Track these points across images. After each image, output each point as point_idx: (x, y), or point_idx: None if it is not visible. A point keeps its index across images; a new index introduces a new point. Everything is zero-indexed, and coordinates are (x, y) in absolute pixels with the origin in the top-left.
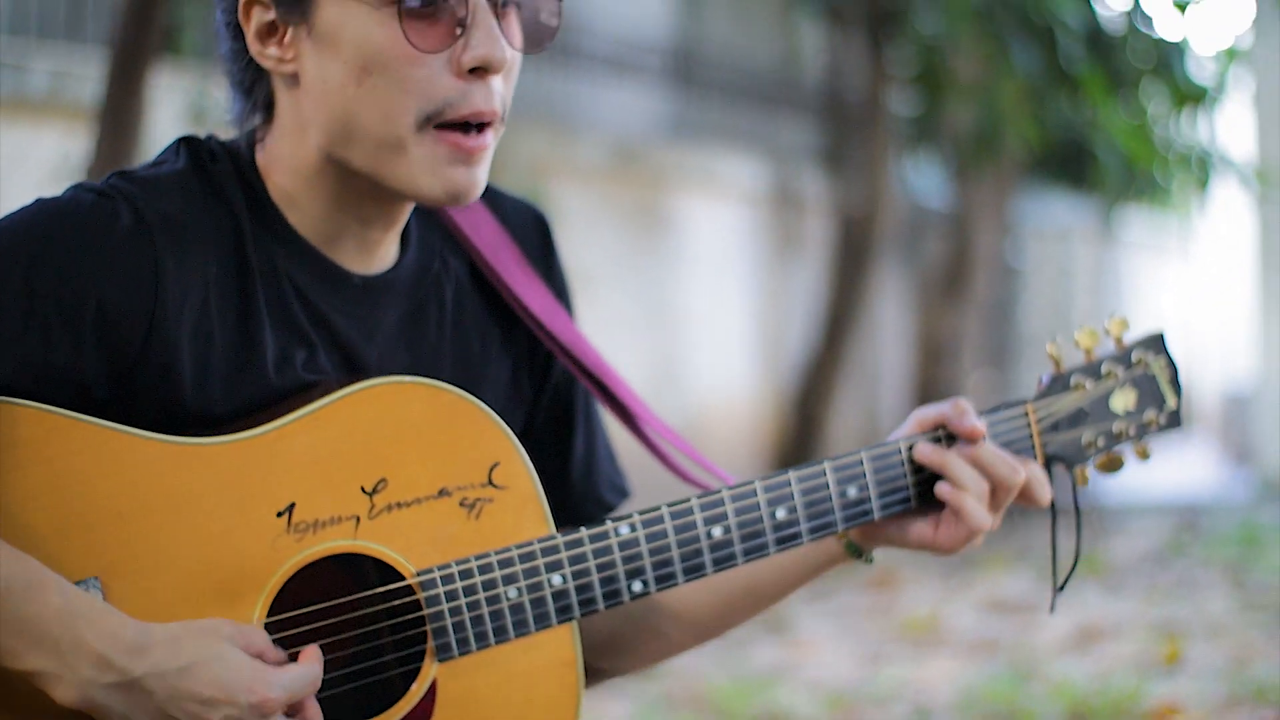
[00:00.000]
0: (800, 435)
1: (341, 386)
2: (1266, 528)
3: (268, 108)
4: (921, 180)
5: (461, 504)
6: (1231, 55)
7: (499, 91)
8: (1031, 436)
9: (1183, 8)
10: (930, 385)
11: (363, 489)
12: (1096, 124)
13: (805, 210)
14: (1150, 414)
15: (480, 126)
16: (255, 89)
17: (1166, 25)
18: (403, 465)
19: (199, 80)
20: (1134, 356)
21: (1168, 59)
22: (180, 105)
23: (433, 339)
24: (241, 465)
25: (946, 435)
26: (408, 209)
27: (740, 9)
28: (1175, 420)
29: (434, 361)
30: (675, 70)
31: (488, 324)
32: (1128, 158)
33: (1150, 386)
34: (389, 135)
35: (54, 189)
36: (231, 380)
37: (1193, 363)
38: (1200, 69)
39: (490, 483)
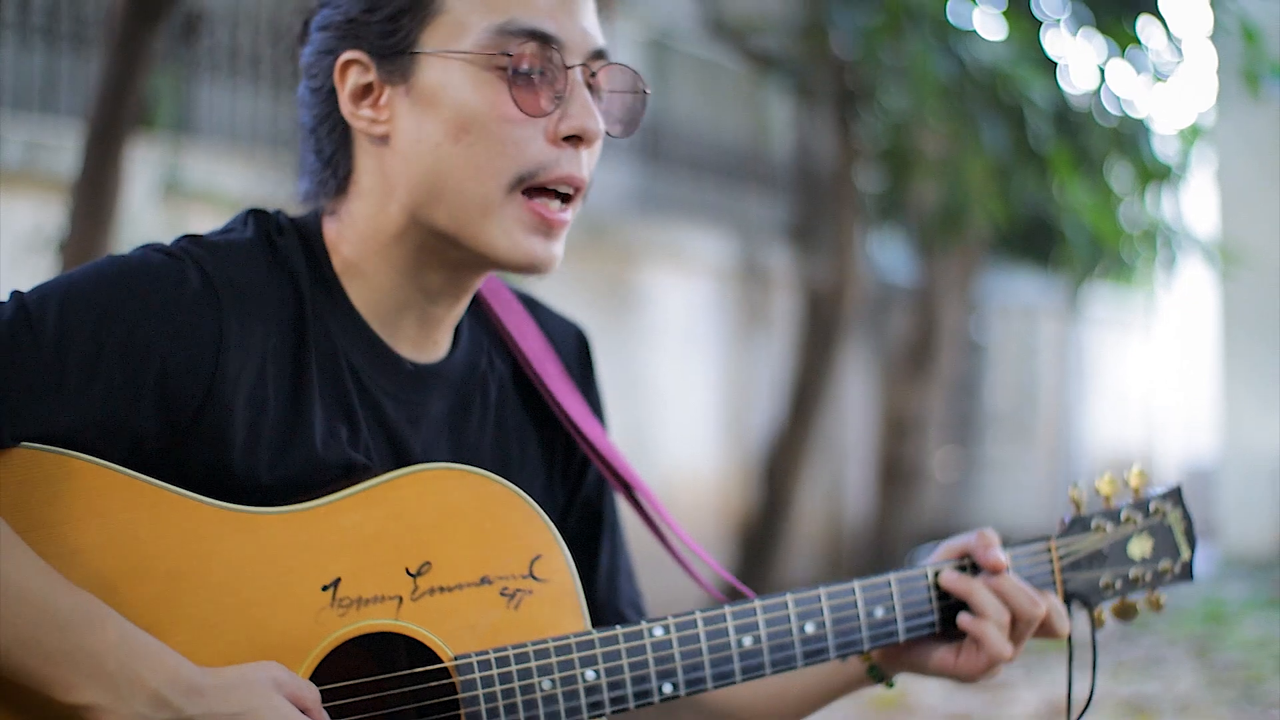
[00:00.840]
0: (766, 509)
1: (389, 468)
2: (1230, 603)
3: (344, 177)
4: (887, 256)
5: (502, 593)
6: (1195, 133)
7: (586, 163)
8: (1053, 572)
9: (1162, 79)
10: (895, 461)
11: (407, 570)
12: (1063, 202)
13: (772, 285)
14: (1165, 563)
15: (565, 199)
16: (336, 156)
17: (1132, 103)
18: (448, 550)
19: (171, 153)
20: (1152, 506)
21: (1133, 137)
22: (153, 178)
23: (474, 434)
24: (291, 536)
25: (972, 565)
26: (475, 283)
27: (709, 84)
28: (1188, 572)
29: (474, 457)
30: (643, 145)
31: (527, 427)
32: (1095, 235)
33: (1166, 536)
34: (480, 194)
35: (28, 259)
36: (280, 449)
37: (1154, 438)
38: (1164, 147)
39: (531, 574)
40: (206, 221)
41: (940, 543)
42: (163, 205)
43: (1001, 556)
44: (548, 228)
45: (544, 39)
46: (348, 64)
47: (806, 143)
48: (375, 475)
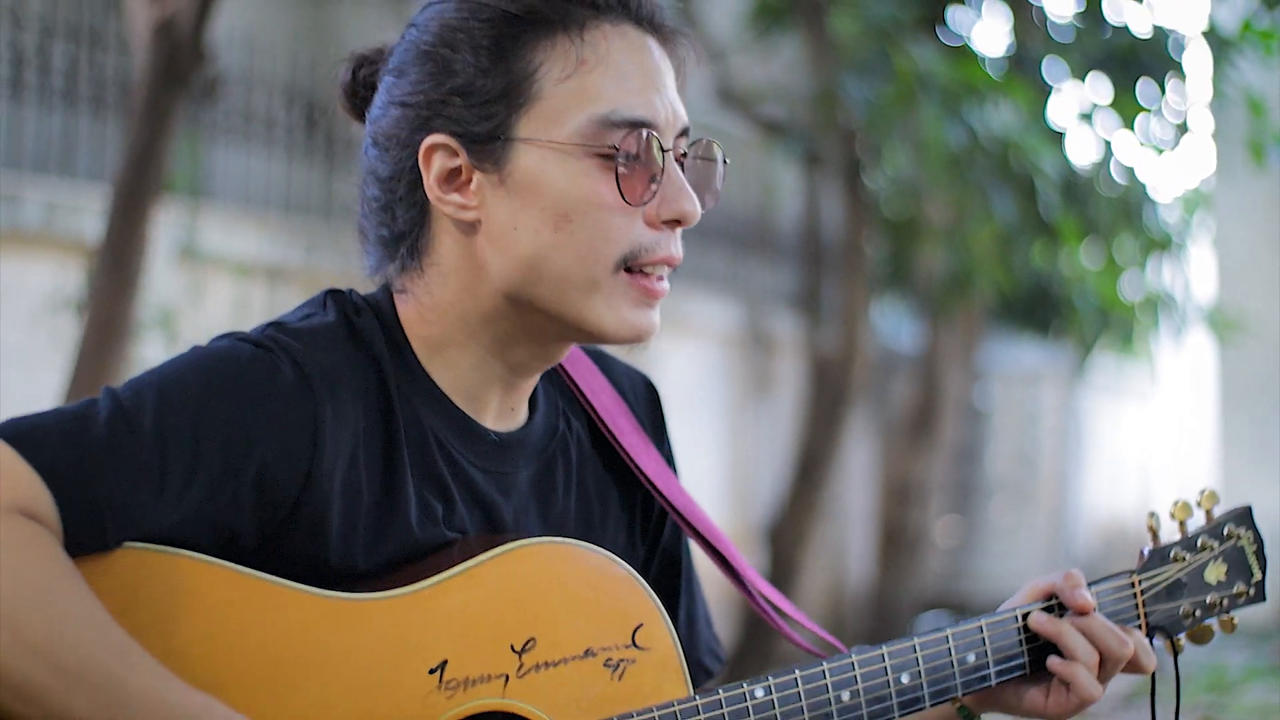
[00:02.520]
0: (770, 575)
1: (486, 544)
2: (1234, 669)
3: (418, 256)
4: (890, 323)
5: (606, 664)
6: (1198, 201)
7: (679, 241)
8: (1137, 607)
9: (1160, 151)
10: (897, 527)
11: (512, 647)
12: (1070, 270)
13: (778, 352)
14: (1239, 586)
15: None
16: (413, 235)
17: (1135, 172)
18: (551, 625)
19: (188, 216)
20: (1226, 530)
21: (1136, 206)
22: (170, 241)
23: (560, 498)
24: (395, 621)
25: (1059, 605)
26: (564, 353)
27: None
28: (1261, 592)
29: (561, 520)
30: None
31: (606, 485)
32: (1102, 304)
33: (1239, 559)
34: (585, 277)
35: (47, 320)
36: (376, 534)
37: (1151, 503)
38: (1167, 215)
39: (634, 644)
40: (222, 285)
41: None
42: (179, 268)
43: (1089, 597)
44: (652, 299)
45: (643, 126)
46: (434, 147)
47: (814, 210)
48: (473, 553)
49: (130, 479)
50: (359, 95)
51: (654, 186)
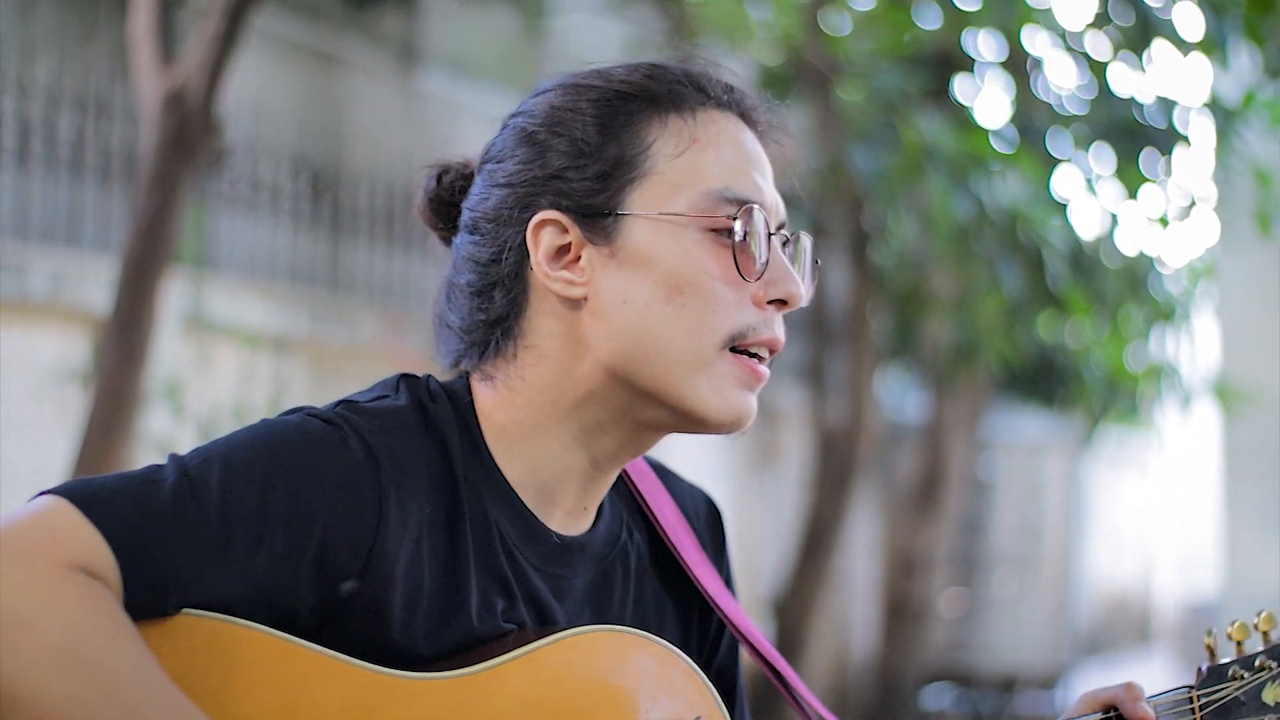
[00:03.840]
0: (777, 647)
1: (544, 632)
2: None
3: (514, 340)
4: (894, 394)
5: None
6: (1202, 272)
7: (782, 325)
8: None
9: (1164, 222)
10: (902, 598)
11: None
12: (1077, 342)
13: (784, 424)
14: None
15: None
16: (509, 318)
17: (1140, 244)
18: (611, 712)
19: (194, 286)
20: None
21: (1142, 277)
22: (176, 311)
23: (616, 606)
24: (453, 703)
25: (1117, 715)
26: (651, 445)
27: None
28: None
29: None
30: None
31: (663, 598)
32: (1109, 376)
33: None
34: (693, 353)
35: (53, 390)
36: (437, 623)
37: (1153, 574)
38: (1171, 286)
39: None
40: (229, 355)
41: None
42: (186, 338)
43: (1150, 711)
44: (755, 382)
45: (754, 204)
46: (543, 223)
47: (820, 281)
48: (534, 638)
49: (193, 547)
50: (443, 202)
51: (763, 265)
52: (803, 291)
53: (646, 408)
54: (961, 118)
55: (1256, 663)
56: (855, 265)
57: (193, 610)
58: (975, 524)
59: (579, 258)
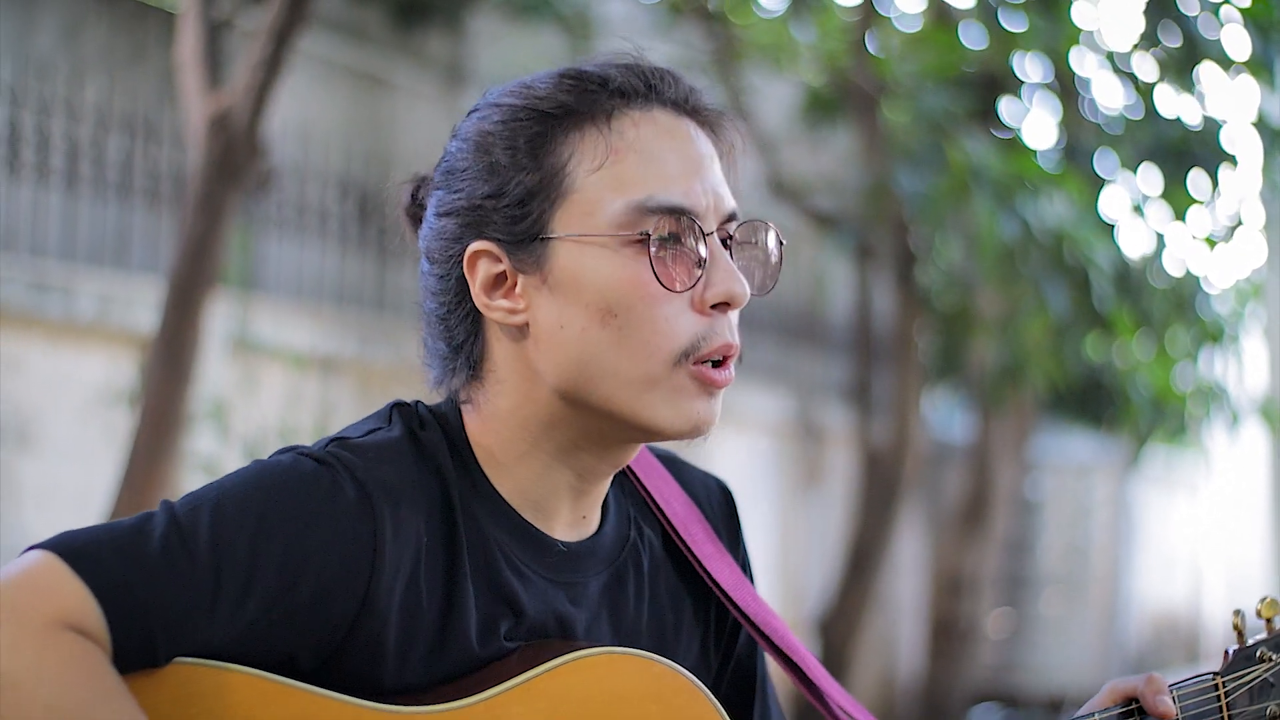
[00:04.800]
0: (822, 667)
1: (542, 655)
2: None
3: (478, 365)
4: (941, 414)
5: None
6: (1250, 292)
7: (734, 326)
8: (1220, 710)
9: (1212, 243)
10: (948, 620)
11: None
12: (1124, 363)
13: (829, 444)
14: None
15: (722, 361)
16: (469, 344)
17: (1188, 264)
18: None
19: (240, 308)
20: None
21: (1189, 298)
22: (222, 333)
23: (632, 608)
24: None
25: (1138, 709)
26: (630, 456)
27: None
28: None
29: (634, 630)
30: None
31: (680, 595)
32: (1156, 397)
33: None
34: (640, 373)
35: (99, 412)
36: (434, 651)
37: (1203, 595)
38: (1219, 306)
39: None
40: (275, 377)
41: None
42: (232, 360)
43: (1170, 705)
44: (714, 389)
45: (679, 212)
46: (477, 254)
47: (865, 302)
48: (533, 664)
49: (183, 595)
50: (418, 216)
51: (698, 272)
52: (744, 289)
53: (608, 427)
54: (1007, 139)
55: None
56: (901, 286)
57: (186, 659)
58: (1022, 544)
59: (515, 285)
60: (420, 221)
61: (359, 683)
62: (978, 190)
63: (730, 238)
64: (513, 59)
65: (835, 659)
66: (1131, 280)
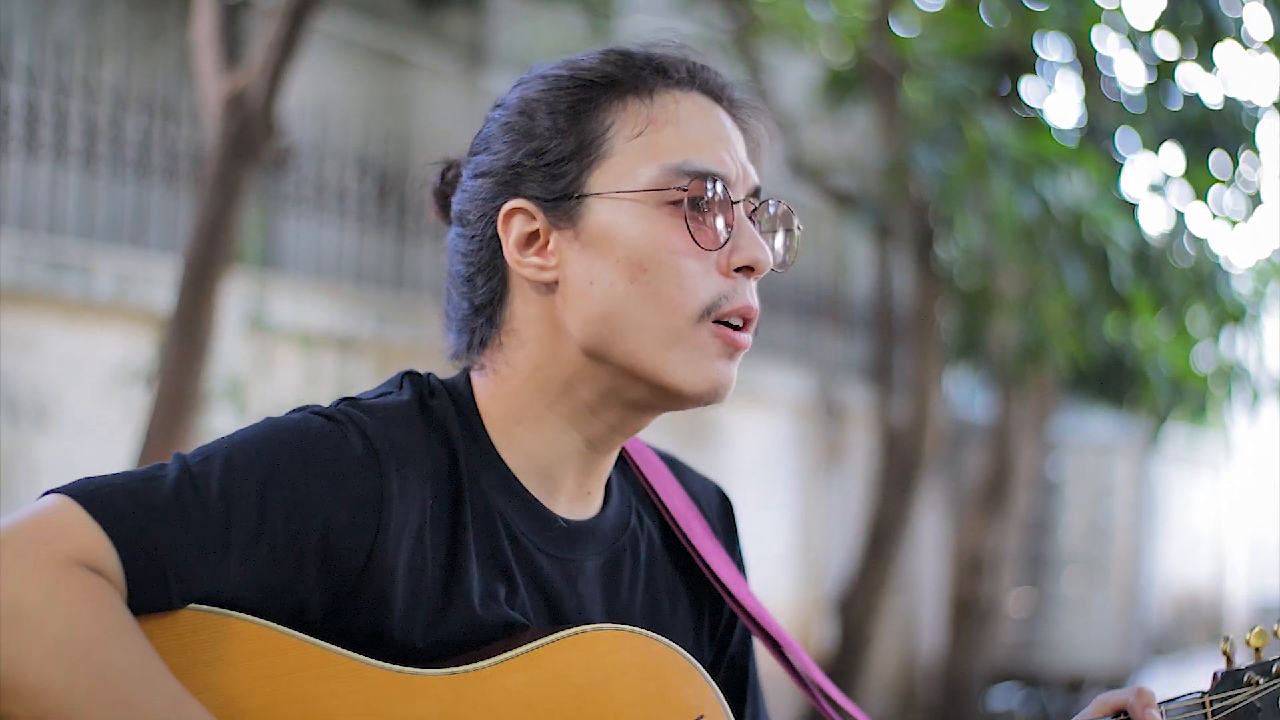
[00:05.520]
0: (841, 646)
1: (548, 628)
2: None
3: (499, 326)
4: (962, 393)
5: None
6: (1270, 272)
7: (754, 292)
8: None
9: (1232, 223)
10: (969, 599)
11: None
12: (1144, 342)
13: (850, 423)
14: None
15: (743, 324)
16: (493, 305)
17: (1208, 244)
18: (611, 712)
19: (257, 287)
20: None
21: (1209, 278)
22: (240, 312)
23: (626, 592)
24: (455, 699)
25: None
26: (642, 425)
27: None
28: None
29: (626, 613)
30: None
31: (676, 585)
32: (1175, 376)
33: None
34: (665, 328)
35: (117, 391)
36: (437, 612)
37: (1224, 575)
38: (1239, 286)
39: None
40: (292, 356)
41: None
42: (249, 339)
43: (1158, 716)
44: (734, 351)
45: (712, 175)
46: (512, 212)
47: (885, 281)
48: (535, 636)
49: (195, 540)
50: (448, 197)
51: (725, 234)
52: (768, 257)
53: (629, 386)
54: (1026, 117)
55: (1275, 669)
56: (920, 264)
57: (198, 606)
58: (1043, 524)
59: (547, 243)
60: (447, 202)
61: (366, 639)
62: (996, 169)
63: (755, 210)
64: (533, 38)
65: (855, 637)
66: (1151, 260)
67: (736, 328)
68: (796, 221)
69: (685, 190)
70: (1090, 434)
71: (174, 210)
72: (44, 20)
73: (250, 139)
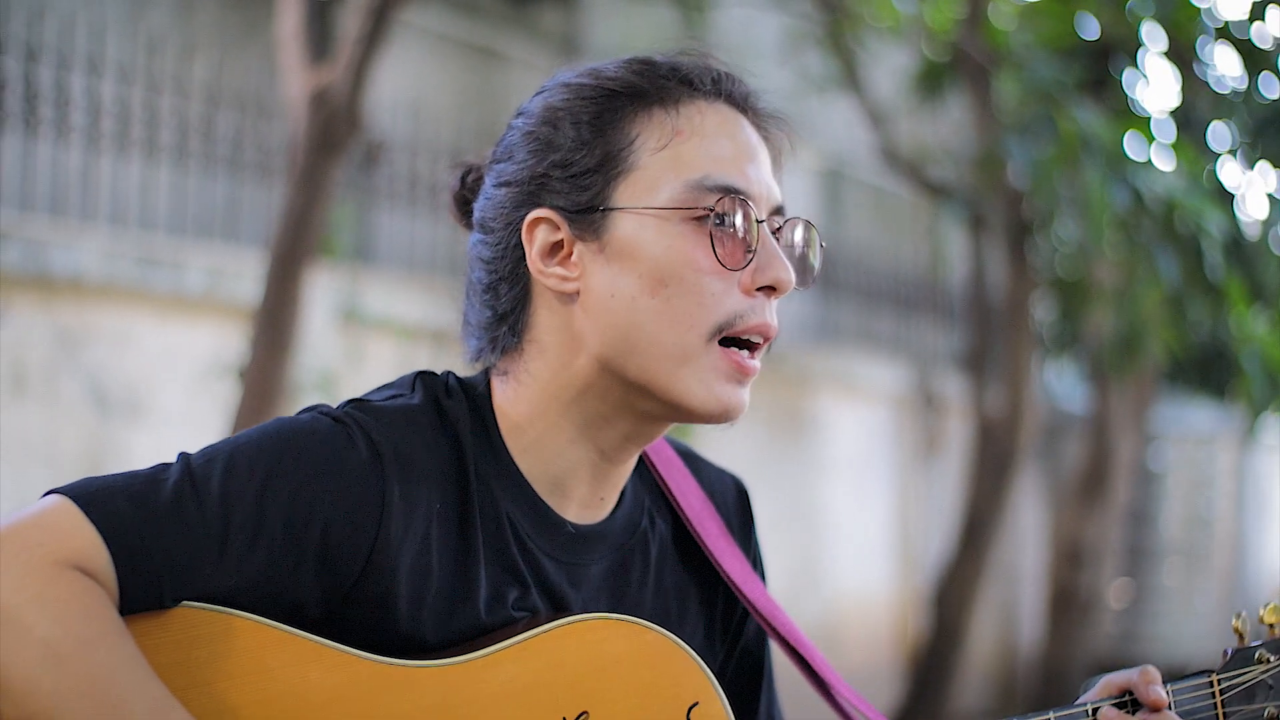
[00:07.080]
0: (938, 637)
1: (543, 620)
2: None
3: (519, 334)
4: (1061, 384)
5: None
6: None
7: (774, 312)
8: (1215, 707)
9: None
10: (1068, 590)
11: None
12: (1239, 333)
13: (946, 413)
14: None
15: (753, 347)
16: (514, 313)
17: None
18: (605, 700)
19: (350, 281)
20: None
21: None
22: (332, 305)
23: (634, 594)
24: (449, 690)
25: (1132, 701)
26: (654, 437)
27: (883, 213)
28: None
29: (634, 613)
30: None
31: (686, 584)
32: (1272, 368)
33: None
34: (678, 344)
35: (209, 385)
36: (445, 615)
37: None
38: None
39: None
40: (385, 349)
41: (1100, 676)
42: (341, 332)
43: (1162, 694)
44: (742, 375)
45: (737, 193)
46: (536, 221)
47: (980, 272)
48: (529, 627)
49: (191, 542)
50: (467, 200)
51: (749, 253)
52: (791, 277)
53: (640, 400)
54: (1119, 108)
55: None
56: (1014, 255)
57: (195, 603)
58: (1144, 515)
59: (571, 254)
60: (468, 205)
61: (366, 636)
62: (1088, 160)
63: (779, 230)
64: (626, 31)
65: (951, 628)
66: (1244, 249)
67: (753, 346)
68: (818, 238)
69: (711, 209)
70: (1191, 425)
71: (265, 205)
72: (137, 18)
73: (335, 134)
